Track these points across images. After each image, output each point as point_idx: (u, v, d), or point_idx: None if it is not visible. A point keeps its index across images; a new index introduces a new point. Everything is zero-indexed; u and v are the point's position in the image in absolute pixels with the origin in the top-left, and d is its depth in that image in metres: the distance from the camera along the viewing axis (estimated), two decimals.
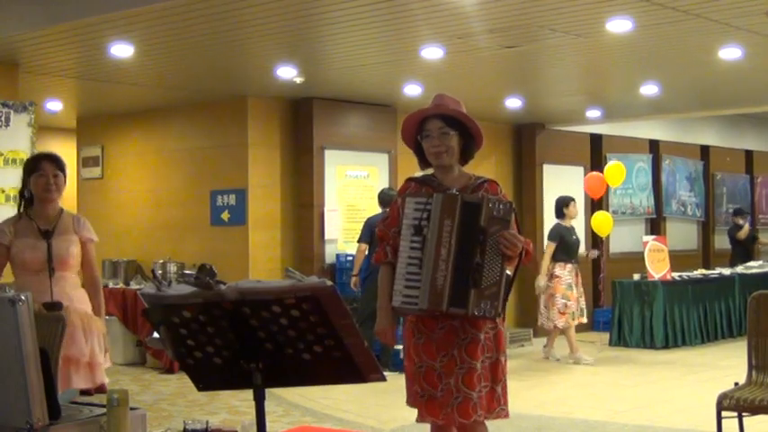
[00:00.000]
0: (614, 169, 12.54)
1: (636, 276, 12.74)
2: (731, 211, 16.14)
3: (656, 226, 15.46)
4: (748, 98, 12.35)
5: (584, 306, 11.27)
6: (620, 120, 14.09)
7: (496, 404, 4.30)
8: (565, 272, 11.06)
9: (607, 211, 13.73)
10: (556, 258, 11.08)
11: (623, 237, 14.68)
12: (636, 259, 13.14)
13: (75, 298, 5.46)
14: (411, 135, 4.46)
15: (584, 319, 11.37)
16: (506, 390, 4.36)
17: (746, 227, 15.16)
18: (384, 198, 10.18)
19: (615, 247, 14.65)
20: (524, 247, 4.17)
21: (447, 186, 4.30)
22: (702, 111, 14.16)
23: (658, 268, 12.39)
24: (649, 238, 13.19)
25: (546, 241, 11.46)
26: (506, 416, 4.34)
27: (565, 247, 11.06)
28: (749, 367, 5.74)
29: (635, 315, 12.39)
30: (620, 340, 12.44)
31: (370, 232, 9.90)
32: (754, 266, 14.11)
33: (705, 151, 16.78)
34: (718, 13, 7.40)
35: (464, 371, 4.21)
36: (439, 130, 4.32)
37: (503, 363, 4.33)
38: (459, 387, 4.19)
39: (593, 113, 13.08)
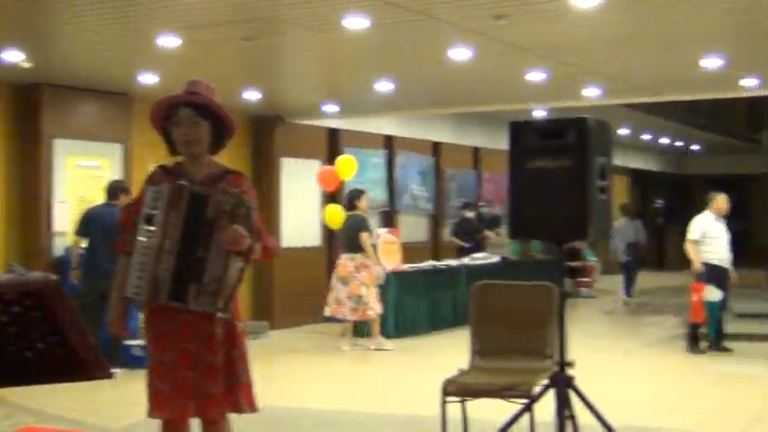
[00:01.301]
0: (345, 163, 12.81)
1: None
2: (459, 204, 16.89)
3: (389, 219, 15.93)
4: (477, 97, 12.96)
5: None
6: (356, 115, 14.38)
7: (236, 398, 4.27)
8: (369, 262, 11.45)
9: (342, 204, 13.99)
10: (361, 249, 11.41)
11: None
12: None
13: None
14: (159, 121, 4.34)
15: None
16: (248, 383, 4.35)
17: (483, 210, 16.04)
18: (111, 189, 9.90)
19: None
20: (262, 243, 4.16)
21: (191, 176, 4.23)
22: (434, 108, 14.73)
23: (391, 260, 12.78)
24: (382, 230, 13.57)
25: (363, 233, 11.58)
26: (253, 409, 4.34)
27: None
28: (472, 354, 6.04)
29: None
30: (355, 331, 12.67)
31: (87, 224, 9.66)
32: (479, 258, 14.84)
33: (436, 147, 17.45)
34: (450, 14, 7.71)
35: (203, 366, 4.16)
36: (189, 119, 4.23)
37: (238, 357, 4.31)
38: (199, 382, 4.14)
39: (330, 108, 13.27)
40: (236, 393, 4.27)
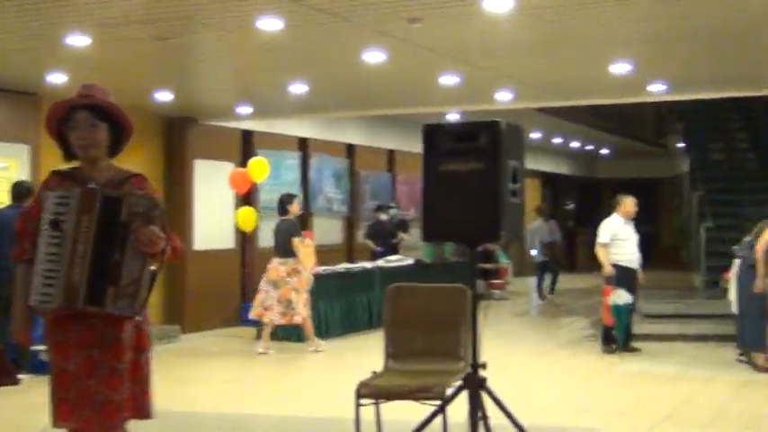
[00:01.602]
0: (257, 165, 12.73)
1: None
2: (373, 206, 16.92)
3: (303, 221, 15.85)
4: (391, 100, 13.01)
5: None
6: (270, 117, 14.30)
7: (138, 404, 4.20)
8: (300, 267, 11.44)
9: (256, 206, 13.92)
10: (293, 254, 11.35)
11: (271, 232, 14.89)
12: None
13: None
14: (55, 125, 4.24)
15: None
16: (150, 389, 4.28)
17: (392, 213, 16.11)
18: (16, 191, 9.64)
19: (264, 242, 14.86)
20: (171, 244, 4.12)
21: (92, 180, 4.15)
22: (349, 111, 14.73)
23: (306, 262, 12.72)
24: None
25: (295, 238, 11.52)
26: (150, 416, 4.26)
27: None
28: (386, 356, 6.05)
29: None
30: (271, 335, 12.59)
31: None
32: (393, 260, 14.88)
33: (351, 150, 17.46)
34: (364, 17, 7.72)
35: (106, 372, 4.08)
36: (87, 122, 4.15)
37: (145, 362, 4.23)
38: (101, 389, 4.06)
39: (244, 110, 13.17)
40: (141, 399, 4.20)
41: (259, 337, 11.67)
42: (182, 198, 13.60)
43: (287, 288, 11.34)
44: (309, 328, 11.59)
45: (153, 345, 4.34)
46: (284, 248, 11.43)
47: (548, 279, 18.81)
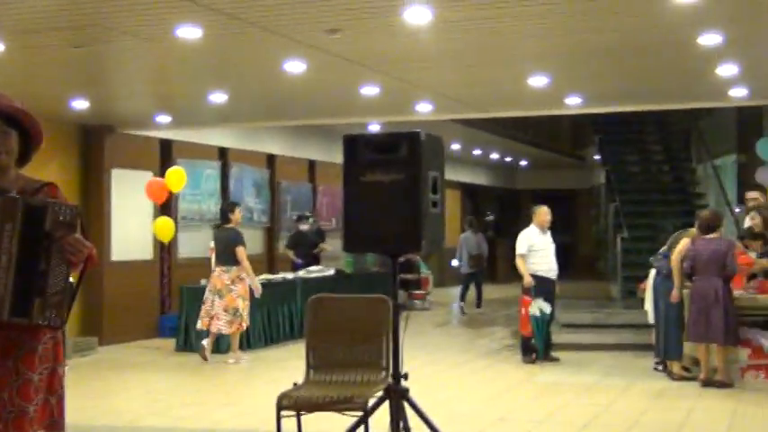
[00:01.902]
0: (175, 174, 12.59)
1: (203, 282, 12.86)
2: (294, 217, 16.85)
3: None
4: (312, 111, 12.98)
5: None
6: (189, 126, 14.16)
7: (50, 417, 4.11)
8: (244, 275, 11.46)
9: (175, 216, 13.77)
10: (236, 262, 11.37)
11: (191, 242, 14.78)
12: (204, 264, 13.27)
13: None
14: None
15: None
16: (63, 402, 4.18)
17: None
18: None
19: (183, 252, 14.71)
20: (89, 253, 4.04)
21: (4, 189, 4.04)
22: (269, 121, 14.66)
23: (250, 270, 12.63)
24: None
25: (239, 247, 11.50)
26: (62, 429, 4.16)
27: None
28: (307, 367, 6.02)
29: None
30: (186, 345, 12.47)
31: None
32: (314, 271, 14.84)
33: (272, 160, 17.37)
34: (284, 27, 7.69)
35: (19, 383, 3.97)
36: None
37: (60, 373, 4.14)
38: (14, 400, 3.96)
39: (163, 119, 13.01)
40: (56, 413, 4.10)
41: (208, 347, 11.51)
42: (98, 208, 13.35)
43: (231, 296, 11.34)
44: (236, 340, 11.55)
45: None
46: (226, 257, 11.45)
47: (473, 291, 19.00)
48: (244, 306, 11.41)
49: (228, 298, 11.33)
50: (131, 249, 13.80)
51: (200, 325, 11.52)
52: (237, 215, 11.73)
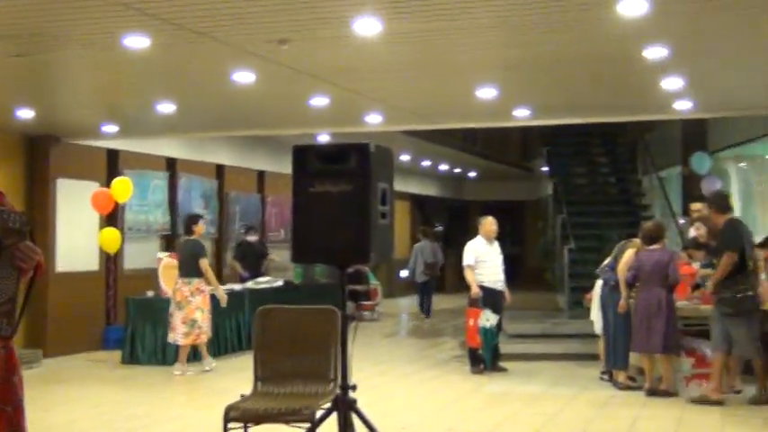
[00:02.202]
0: (121, 185, 12.49)
1: (150, 293, 12.76)
2: (242, 229, 16.76)
3: (171, 242, 15.59)
4: (261, 121, 12.93)
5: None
6: (137, 136, 14.04)
7: (9, 426, 4.04)
8: (205, 286, 11.53)
9: (121, 227, 13.63)
10: (200, 274, 11.40)
11: (138, 253, 14.63)
12: (151, 276, 13.16)
13: None
14: None
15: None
16: (21, 410, 4.11)
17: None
18: None
19: (129, 263, 14.56)
20: (39, 260, 4.00)
21: None
22: (218, 131, 14.58)
23: (171, 284, 12.52)
24: (164, 254, 13.27)
25: (201, 258, 11.51)
26: None
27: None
28: (255, 379, 5.99)
29: (147, 332, 12.37)
30: (132, 358, 12.34)
31: None
32: (263, 282, 14.76)
33: (220, 170, 17.27)
34: (234, 37, 7.66)
35: None
36: None
37: (15, 382, 4.08)
38: None
39: (109, 128, 12.87)
40: (12, 421, 4.04)
41: (181, 359, 11.52)
42: (43, 218, 13.16)
43: (190, 308, 11.39)
44: (185, 352, 11.53)
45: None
46: (189, 269, 11.48)
47: (423, 299, 19.21)
48: (203, 318, 11.45)
49: (188, 309, 11.36)
50: (77, 260, 13.63)
51: (170, 338, 11.60)
52: (201, 227, 11.82)
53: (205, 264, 11.45)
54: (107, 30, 7.32)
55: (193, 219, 11.91)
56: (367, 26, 7.19)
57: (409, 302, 22.61)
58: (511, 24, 7.34)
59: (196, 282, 11.44)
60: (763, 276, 9.67)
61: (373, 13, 6.94)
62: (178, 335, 11.37)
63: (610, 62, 8.83)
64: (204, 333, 11.52)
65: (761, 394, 9.13)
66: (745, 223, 9.73)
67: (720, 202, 9.55)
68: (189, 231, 11.72)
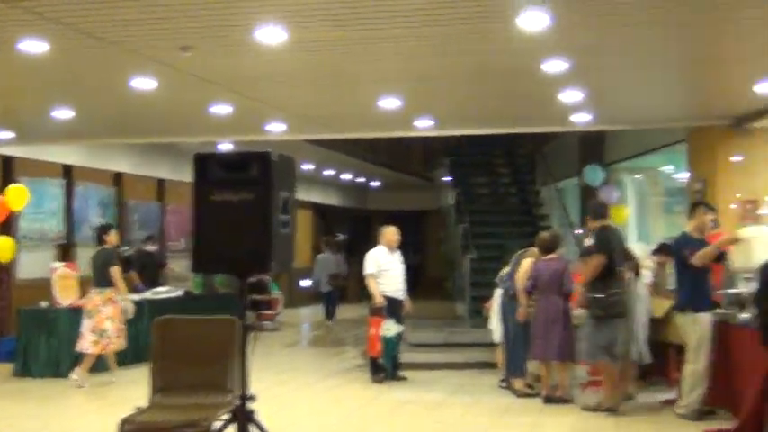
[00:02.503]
0: (16, 192, 12.19)
1: (43, 304, 12.44)
2: (143, 238, 16.48)
3: (66, 252, 15.24)
4: (162, 128, 12.77)
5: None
6: (33, 143, 13.73)
7: None
8: (117, 296, 11.42)
9: (15, 236, 13.28)
10: (110, 284, 11.25)
11: (32, 263, 14.25)
12: (45, 286, 12.82)
13: None
14: None
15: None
16: None
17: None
18: None
19: (23, 273, 14.18)
20: None
21: None
22: (117, 138, 14.34)
23: (67, 295, 12.28)
24: (59, 264, 12.95)
25: (113, 268, 11.34)
26: None
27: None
28: (152, 390, 5.89)
29: (41, 344, 12.06)
30: (25, 370, 12.01)
31: None
32: (162, 292, 14.53)
33: (119, 178, 16.97)
34: (134, 43, 7.55)
35: None
36: None
37: None
38: None
39: (4, 134, 12.56)
40: None
41: (83, 367, 11.27)
42: None
43: (100, 317, 11.27)
44: (90, 361, 11.35)
45: None
46: (101, 278, 11.36)
47: (323, 307, 19.38)
48: (113, 328, 11.34)
49: (97, 318, 11.24)
50: None
51: (78, 347, 11.41)
52: (113, 237, 11.68)
53: (116, 272, 11.34)
54: (2, 33, 7.14)
55: (104, 229, 11.79)
56: (271, 35, 7.17)
57: (311, 312, 22.56)
58: (414, 36, 7.41)
59: (108, 291, 11.30)
60: (648, 280, 10.00)
61: (277, 22, 6.92)
62: (86, 343, 11.16)
63: (510, 75, 8.98)
64: (113, 343, 11.38)
65: (612, 400, 9.20)
66: (618, 231, 9.95)
67: (596, 209, 9.78)
68: (101, 241, 11.59)
